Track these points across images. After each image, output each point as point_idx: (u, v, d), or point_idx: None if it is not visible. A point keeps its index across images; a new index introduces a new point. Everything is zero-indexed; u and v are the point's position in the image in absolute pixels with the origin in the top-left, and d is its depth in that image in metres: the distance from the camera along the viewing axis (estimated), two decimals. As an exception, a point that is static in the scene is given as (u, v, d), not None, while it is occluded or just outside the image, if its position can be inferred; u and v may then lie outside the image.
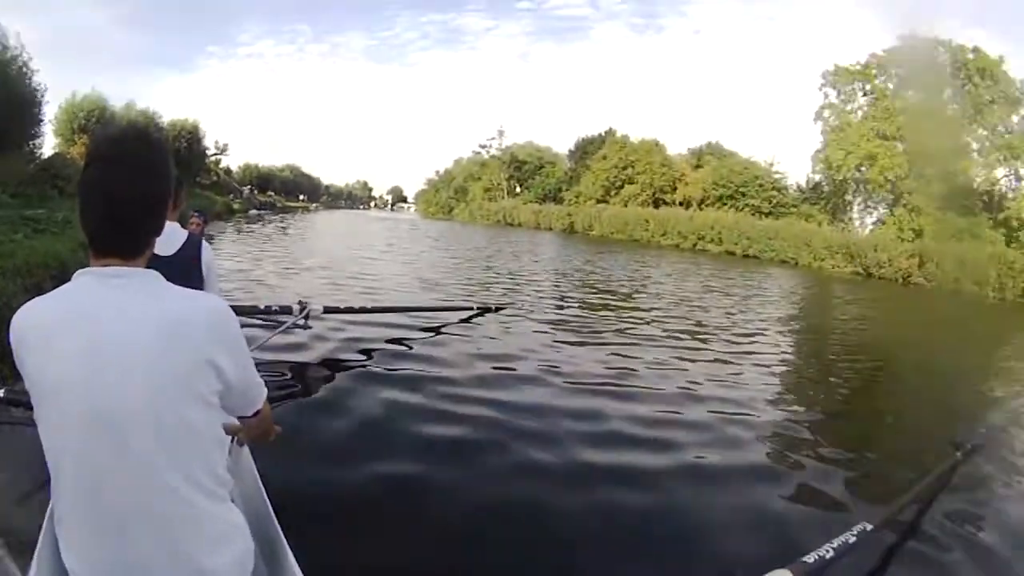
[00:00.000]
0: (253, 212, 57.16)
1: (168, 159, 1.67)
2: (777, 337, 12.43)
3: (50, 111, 33.30)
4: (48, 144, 32.16)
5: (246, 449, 2.77)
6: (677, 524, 4.21)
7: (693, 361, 9.10)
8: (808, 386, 8.97)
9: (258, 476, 2.66)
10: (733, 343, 10.99)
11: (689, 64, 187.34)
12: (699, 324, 12.67)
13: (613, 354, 9.01)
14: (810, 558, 2.81)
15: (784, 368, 9.81)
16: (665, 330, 11.46)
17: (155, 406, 1.49)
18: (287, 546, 2.15)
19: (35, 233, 11.61)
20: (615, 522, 4.23)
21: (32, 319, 1.53)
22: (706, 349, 10.16)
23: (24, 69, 25.20)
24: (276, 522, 2.29)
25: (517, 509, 4.30)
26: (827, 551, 2.91)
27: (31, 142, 27.15)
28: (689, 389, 7.52)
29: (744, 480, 4.96)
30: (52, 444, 1.53)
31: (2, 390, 3.35)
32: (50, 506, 1.84)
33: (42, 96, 27.02)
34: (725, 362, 9.34)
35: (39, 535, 1.99)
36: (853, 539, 3.12)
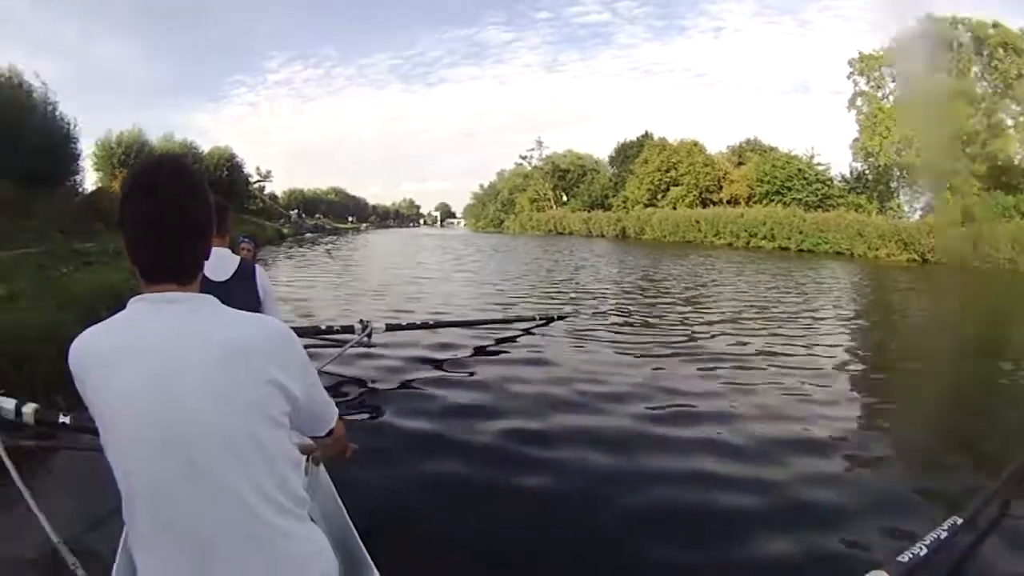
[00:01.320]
0: (308, 235, 58.01)
1: (204, 183, 1.66)
2: (849, 330, 12.16)
3: (85, 146, 33.85)
4: (88, 180, 32.84)
5: (323, 468, 2.75)
6: (766, 526, 4.05)
7: (771, 363, 8.72)
8: (888, 380, 8.66)
9: (336, 494, 2.65)
10: (808, 339, 10.72)
11: (716, 61, 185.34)
12: (770, 322, 12.39)
13: (680, 355, 8.87)
14: (904, 557, 2.74)
15: (861, 363, 9.45)
16: (736, 333, 11.09)
17: (225, 429, 1.48)
18: (371, 562, 2.14)
19: (85, 266, 11.96)
20: (704, 524, 4.13)
21: (91, 347, 1.52)
22: (781, 349, 9.74)
23: (52, 107, 25.78)
24: (358, 539, 2.28)
25: (602, 526, 4.13)
26: (920, 549, 2.83)
27: (72, 178, 27.95)
28: (769, 390, 7.32)
29: (829, 482, 4.76)
30: (123, 471, 1.52)
31: (68, 417, 3.46)
32: (124, 531, 1.82)
33: (74, 131, 27.65)
34: (803, 358, 9.13)
35: (114, 560, 2.01)
36: (945, 534, 3.05)
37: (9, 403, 3.49)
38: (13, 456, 3.19)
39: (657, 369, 8.08)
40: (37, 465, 4.27)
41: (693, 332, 10.84)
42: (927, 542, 2.88)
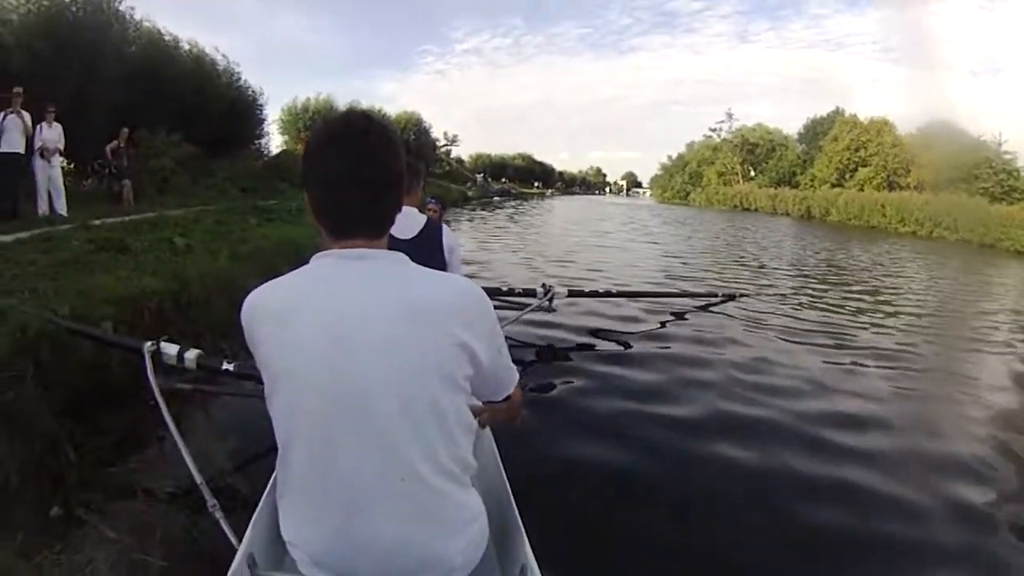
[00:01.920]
0: (496, 198, 58.70)
1: (398, 136, 1.61)
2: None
3: (272, 114, 35.83)
4: (274, 143, 34.36)
5: (488, 432, 2.70)
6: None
7: (951, 364, 8.10)
8: None
9: (500, 460, 2.57)
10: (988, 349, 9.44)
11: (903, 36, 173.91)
12: (952, 325, 11.22)
13: (855, 353, 8.09)
14: None
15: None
16: (919, 333, 9.96)
17: (403, 389, 1.45)
18: (523, 532, 2.03)
19: (267, 222, 12.45)
20: (830, 520, 3.82)
21: (269, 301, 1.51)
22: (963, 359, 8.71)
23: (236, 77, 26.94)
24: (515, 507, 2.19)
25: (761, 509, 3.96)
26: None
27: (257, 142, 29.37)
28: (941, 391, 6.81)
29: (984, 515, 4.19)
30: (285, 421, 1.52)
31: (233, 364, 3.56)
32: (273, 477, 1.86)
33: (260, 99, 28.79)
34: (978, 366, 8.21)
35: (257, 503, 1.98)
36: None
37: (172, 348, 3.61)
38: (169, 397, 3.33)
39: (832, 364, 7.47)
40: (193, 408, 4.45)
41: (873, 329, 9.94)
42: None
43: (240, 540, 1.82)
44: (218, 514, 2.36)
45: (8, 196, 10.58)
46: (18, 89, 10.62)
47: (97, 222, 9.37)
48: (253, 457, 3.68)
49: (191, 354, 3.59)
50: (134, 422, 4.05)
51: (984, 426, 5.74)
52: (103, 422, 4.01)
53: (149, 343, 3.60)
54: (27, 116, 10.70)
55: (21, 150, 10.68)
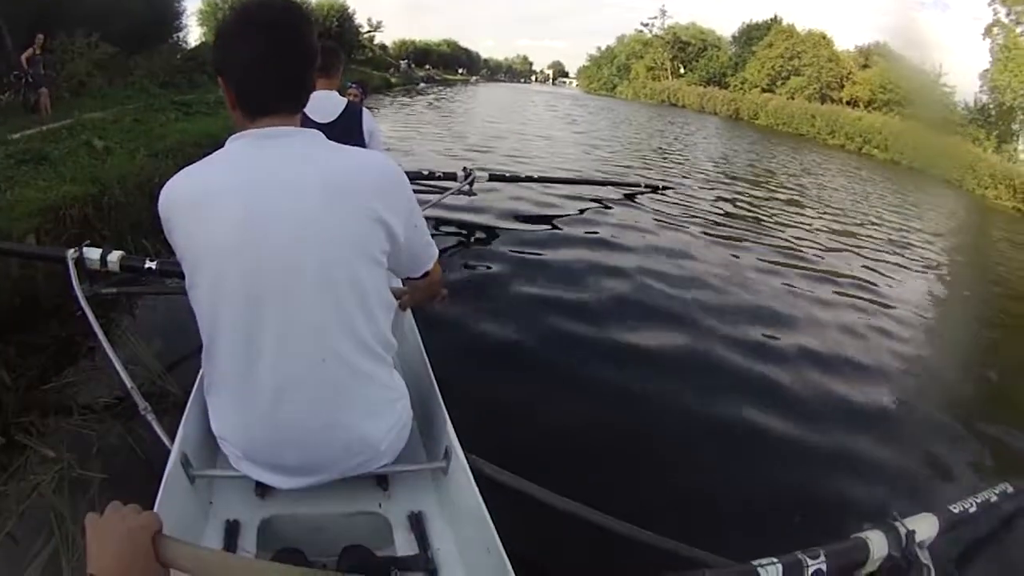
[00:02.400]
0: (421, 85, 58.00)
1: (309, 14, 1.64)
2: (940, 266, 10.45)
3: (191, 5, 34.17)
4: (192, 36, 33.20)
5: (409, 314, 2.69)
6: (824, 459, 3.75)
7: (849, 274, 8.03)
8: (964, 328, 7.26)
9: (421, 342, 2.56)
10: (902, 268, 9.34)
11: None
12: (863, 236, 11.04)
13: (772, 253, 8.22)
14: (955, 508, 2.64)
15: (938, 307, 8.12)
16: (833, 245, 9.79)
17: (322, 264, 1.46)
18: (447, 414, 2.04)
19: (186, 116, 12.25)
20: (753, 444, 3.81)
21: (183, 189, 1.49)
22: (872, 275, 8.48)
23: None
24: (437, 389, 2.19)
25: (673, 396, 4.06)
26: (970, 504, 2.73)
27: (175, 35, 28.19)
28: (842, 304, 6.76)
29: (888, 423, 4.38)
30: (209, 310, 1.51)
31: (155, 263, 3.51)
32: (200, 374, 1.84)
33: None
34: (880, 292, 7.73)
35: (186, 402, 1.96)
36: (995, 498, 2.95)
37: (95, 252, 3.53)
38: (96, 306, 3.28)
39: (752, 262, 7.62)
40: (119, 314, 4.39)
41: (793, 232, 10.02)
42: (978, 500, 2.81)
43: (173, 442, 1.79)
44: (150, 417, 2.31)
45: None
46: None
47: (15, 136, 8.98)
48: (181, 357, 3.64)
49: (114, 256, 3.52)
50: (64, 335, 3.96)
51: (890, 339, 5.94)
52: (35, 339, 3.90)
53: (72, 250, 3.52)
54: None
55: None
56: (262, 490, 1.79)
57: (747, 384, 4.41)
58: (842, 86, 52.94)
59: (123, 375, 2.63)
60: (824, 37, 56.72)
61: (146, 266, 3.52)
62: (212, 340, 1.53)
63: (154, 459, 2.04)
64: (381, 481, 1.89)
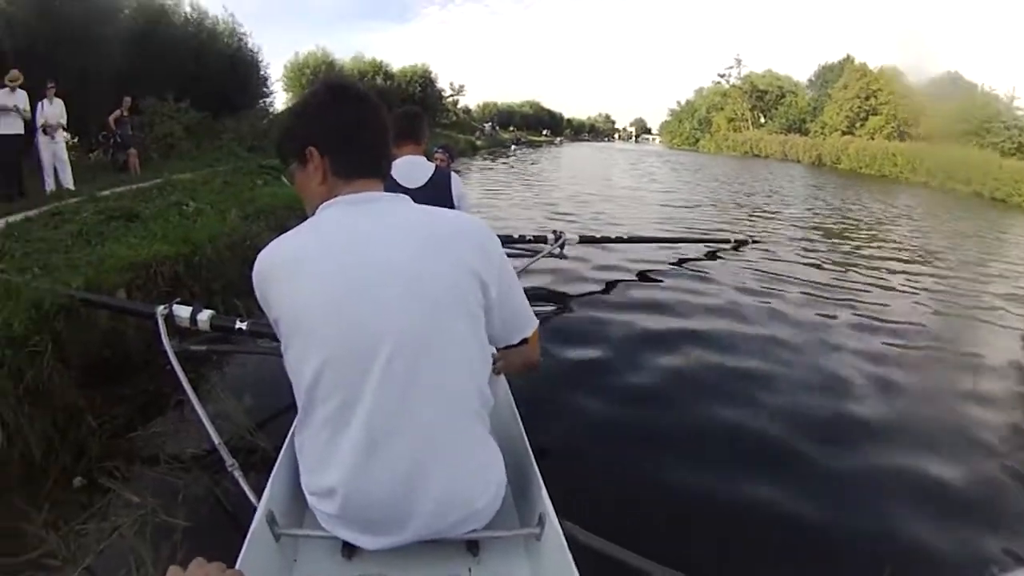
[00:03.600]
0: (513, 147, 58.58)
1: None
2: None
3: (275, 71, 35.81)
4: (279, 101, 34.18)
5: (504, 378, 2.65)
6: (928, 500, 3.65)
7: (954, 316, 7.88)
8: None
9: (515, 407, 2.52)
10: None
11: None
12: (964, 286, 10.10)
13: (872, 315, 7.67)
14: None
15: None
16: (938, 294, 9.20)
17: (420, 319, 1.47)
18: (541, 480, 1.99)
19: (275, 180, 12.48)
20: (845, 491, 3.72)
21: (279, 255, 1.53)
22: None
23: (238, 36, 26.50)
24: (532, 454, 2.15)
25: (777, 463, 3.92)
26: None
27: (262, 100, 29.08)
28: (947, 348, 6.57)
29: (984, 475, 4.12)
30: (304, 371, 1.51)
31: (246, 323, 3.63)
32: (290, 433, 1.89)
33: (260, 57, 28.29)
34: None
35: (275, 460, 1.98)
36: None
37: (185, 310, 3.68)
38: (184, 360, 3.39)
39: (845, 320, 7.25)
40: (209, 369, 4.50)
41: (888, 283, 9.51)
42: None
43: (260, 498, 1.81)
44: (237, 473, 2.38)
45: (12, 177, 10.63)
46: (15, 72, 10.62)
47: (105, 193, 9.36)
48: (270, 415, 3.72)
49: (204, 315, 3.66)
50: (152, 388, 4.10)
51: (992, 403, 5.48)
52: (122, 390, 4.06)
53: (162, 307, 3.70)
54: (24, 95, 10.69)
55: (21, 131, 10.69)
56: (349, 551, 1.75)
57: (849, 462, 4.18)
58: (918, 121, 51.61)
59: (211, 429, 2.70)
60: (896, 71, 56.22)
61: (237, 326, 3.62)
62: (306, 400, 1.53)
63: (239, 513, 2.10)
64: (471, 546, 1.82)
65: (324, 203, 1.59)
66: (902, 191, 33.55)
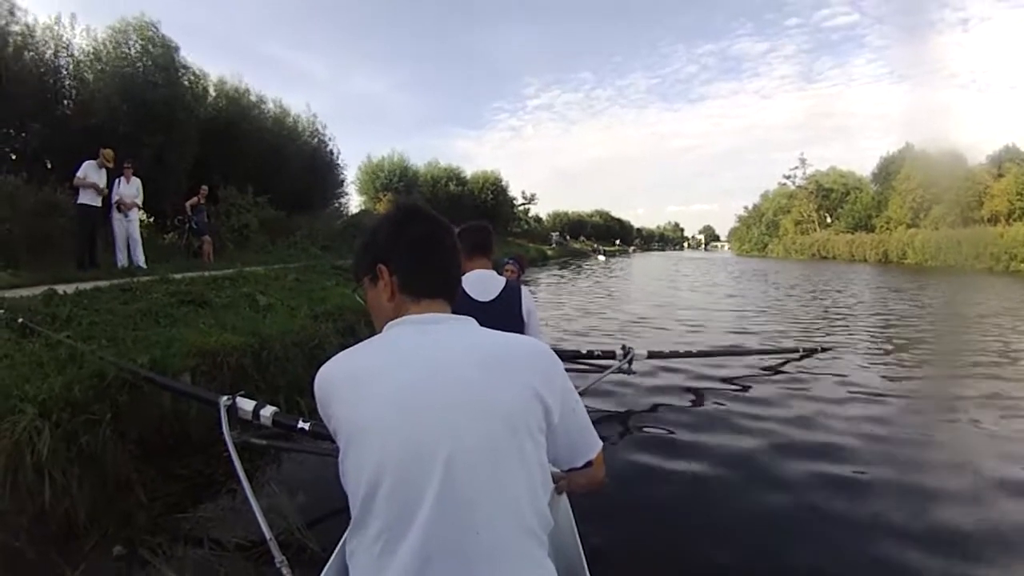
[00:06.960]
0: (601, 258, 60.62)
1: None
2: None
3: (349, 174, 36.97)
4: (353, 203, 35.19)
5: (565, 498, 2.60)
6: None
7: None
8: None
9: (576, 528, 2.52)
10: None
11: (969, 59, 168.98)
12: None
13: (947, 410, 7.54)
14: None
15: None
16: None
17: (482, 437, 1.48)
18: None
19: (346, 282, 12.56)
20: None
21: (344, 365, 1.57)
22: None
23: (318, 135, 27.64)
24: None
25: None
26: None
27: (337, 201, 30.37)
28: None
29: None
30: (361, 480, 1.52)
31: (308, 423, 3.72)
32: (343, 538, 1.89)
33: (338, 159, 29.46)
34: None
35: (325, 562, 2.01)
36: None
37: (248, 404, 3.82)
38: (242, 451, 3.50)
39: (920, 418, 7.20)
40: (266, 463, 4.62)
41: (963, 385, 9.44)
42: None
43: None
44: (286, 570, 2.42)
45: (87, 246, 11.28)
46: (109, 152, 11.38)
47: (177, 276, 9.67)
48: (323, 516, 3.76)
49: (267, 411, 3.77)
50: (207, 472, 4.23)
51: None
52: (178, 469, 4.19)
53: (225, 398, 3.82)
54: (103, 172, 11.41)
55: (98, 204, 11.35)
56: None
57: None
58: (981, 203, 51.02)
59: (262, 522, 2.76)
60: (956, 155, 55.77)
61: (299, 426, 3.71)
62: (361, 509, 1.52)
63: (281, 610, 2.12)
64: None
65: (391, 322, 1.65)
66: (969, 280, 32.97)
